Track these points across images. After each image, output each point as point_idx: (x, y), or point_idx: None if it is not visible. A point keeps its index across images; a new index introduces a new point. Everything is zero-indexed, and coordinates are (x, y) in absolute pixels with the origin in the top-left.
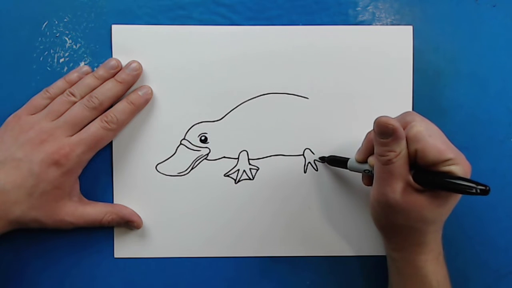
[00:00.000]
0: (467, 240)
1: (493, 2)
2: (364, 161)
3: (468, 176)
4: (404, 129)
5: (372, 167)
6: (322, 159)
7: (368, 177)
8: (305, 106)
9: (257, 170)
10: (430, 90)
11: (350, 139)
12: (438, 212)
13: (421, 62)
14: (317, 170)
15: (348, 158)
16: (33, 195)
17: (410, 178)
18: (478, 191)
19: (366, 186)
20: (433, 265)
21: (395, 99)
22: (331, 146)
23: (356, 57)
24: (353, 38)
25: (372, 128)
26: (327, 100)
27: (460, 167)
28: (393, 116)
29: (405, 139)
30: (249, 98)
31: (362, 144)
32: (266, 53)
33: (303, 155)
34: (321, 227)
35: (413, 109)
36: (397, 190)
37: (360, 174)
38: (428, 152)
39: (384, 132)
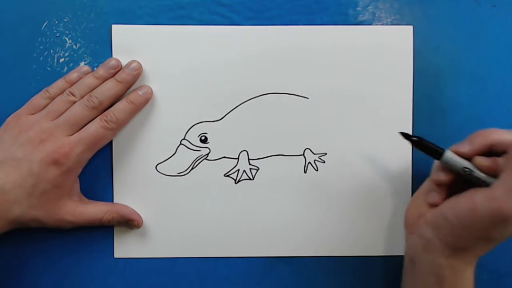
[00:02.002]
0: None
1: (493, 2)
2: (469, 158)
3: None
4: None
5: (478, 168)
6: (407, 137)
7: (451, 176)
8: (305, 106)
9: (257, 170)
10: (430, 90)
11: (350, 139)
12: None
13: (421, 62)
14: (317, 170)
15: (444, 149)
16: (33, 194)
17: None
18: None
19: (368, 186)
20: (472, 274)
21: (395, 99)
22: (331, 146)
23: (356, 57)
24: (353, 38)
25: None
26: (327, 100)
27: None
28: None
29: None
30: (249, 98)
31: (470, 139)
32: (266, 53)
33: (303, 155)
34: (321, 227)
35: (413, 109)
36: None
37: (360, 173)
38: None
39: None
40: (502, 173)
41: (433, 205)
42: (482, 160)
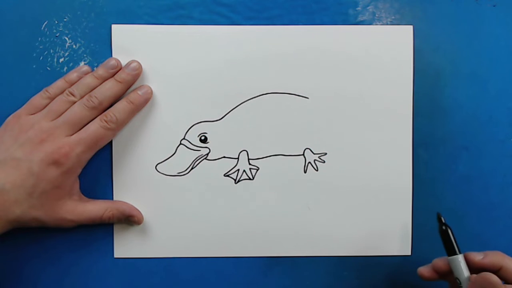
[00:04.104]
0: (467, 240)
1: (493, 2)
2: (475, 267)
3: None
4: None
5: (465, 284)
6: (440, 220)
7: (445, 272)
8: (305, 106)
9: (257, 170)
10: (430, 90)
11: (350, 139)
12: None
13: (421, 62)
14: (317, 170)
15: (458, 253)
16: (33, 194)
17: None
18: None
19: (368, 186)
20: None
21: (395, 99)
22: (331, 146)
23: (356, 57)
24: (353, 38)
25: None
26: (327, 100)
27: None
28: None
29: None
30: (249, 98)
31: (486, 254)
32: (266, 53)
33: (303, 155)
34: (321, 227)
35: (413, 108)
36: None
37: (360, 173)
38: None
39: None
40: None
41: (421, 274)
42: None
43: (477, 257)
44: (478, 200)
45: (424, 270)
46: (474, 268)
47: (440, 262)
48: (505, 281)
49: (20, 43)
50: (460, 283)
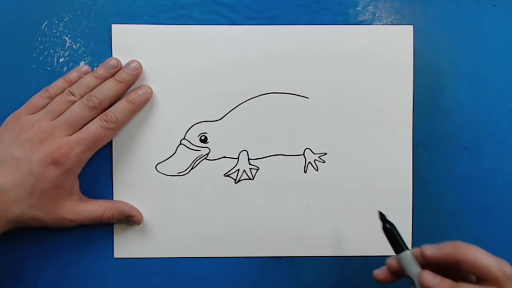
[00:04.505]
0: (467, 240)
1: (494, 2)
2: (430, 262)
3: None
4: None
5: (419, 282)
6: (382, 218)
7: (396, 272)
8: (305, 106)
9: (257, 170)
10: (430, 90)
11: (350, 139)
12: None
13: (422, 62)
14: (317, 170)
15: (406, 249)
16: (33, 194)
17: None
18: None
19: (368, 186)
20: None
21: (395, 99)
22: (331, 146)
23: (356, 57)
24: (353, 38)
25: None
26: (327, 100)
27: None
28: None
29: None
30: (249, 98)
31: (441, 246)
32: (266, 53)
33: (303, 155)
34: (321, 227)
35: (413, 108)
36: None
37: (360, 173)
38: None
39: None
40: None
41: (376, 277)
42: (425, 277)
43: (430, 250)
44: (478, 200)
45: (379, 273)
46: (430, 264)
47: (392, 262)
48: (469, 272)
49: (20, 43)
50: (412, 282)
